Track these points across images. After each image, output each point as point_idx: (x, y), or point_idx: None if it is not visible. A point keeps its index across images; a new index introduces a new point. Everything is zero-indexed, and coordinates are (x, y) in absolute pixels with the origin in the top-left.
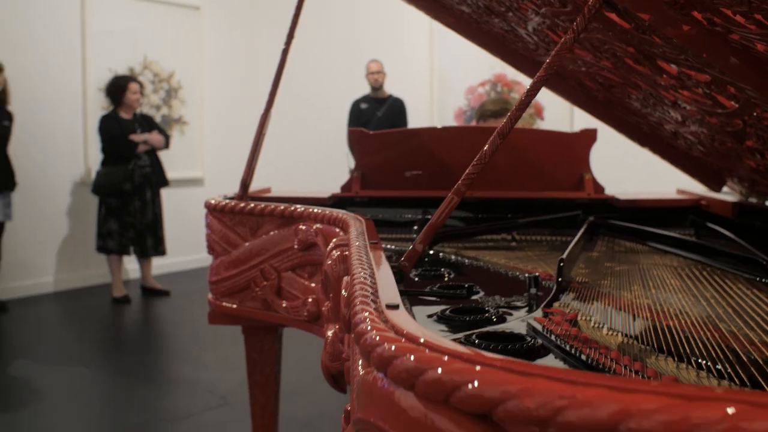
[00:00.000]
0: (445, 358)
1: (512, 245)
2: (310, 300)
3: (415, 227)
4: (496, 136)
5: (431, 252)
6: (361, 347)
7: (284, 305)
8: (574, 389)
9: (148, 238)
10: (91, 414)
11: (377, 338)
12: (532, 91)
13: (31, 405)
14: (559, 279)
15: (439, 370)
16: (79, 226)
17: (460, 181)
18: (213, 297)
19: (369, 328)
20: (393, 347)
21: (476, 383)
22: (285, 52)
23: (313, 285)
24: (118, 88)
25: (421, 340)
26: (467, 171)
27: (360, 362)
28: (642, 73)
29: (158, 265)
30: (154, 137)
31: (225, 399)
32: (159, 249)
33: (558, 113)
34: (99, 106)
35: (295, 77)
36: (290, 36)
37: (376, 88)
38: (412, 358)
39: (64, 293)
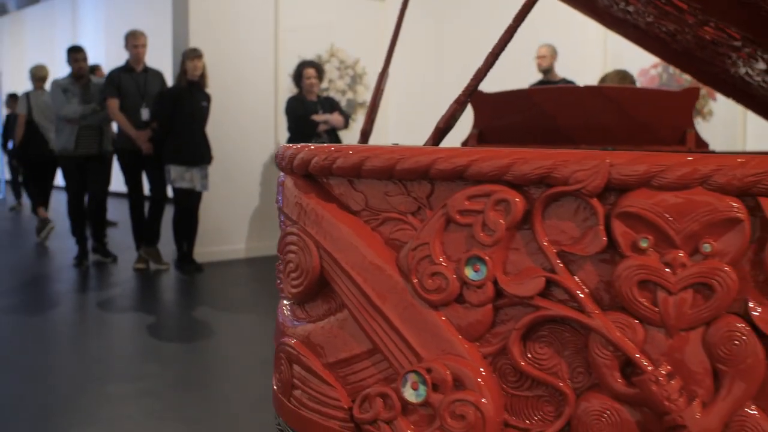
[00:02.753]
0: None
1: None
2: None
3: None
4: (490, 56)
5: None
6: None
7: None
8: (343, 148)
9: None
10: (260, 348)
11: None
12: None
13: (212, 338)
14: None
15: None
16: (269, 198)
17: (461, 93)
18: None
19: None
20: (288, 150)
21: (306, 151)
22: (401, 16)
23: None
24: (297, 74)
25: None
26: (468, 84)
27: None
28: (672, 14)
29: None
30: (334, 117)
31: None
32: None
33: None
34: (289, 89)
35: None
36: (405, 3)
37: (544, 71)
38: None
39: (254, 259)
